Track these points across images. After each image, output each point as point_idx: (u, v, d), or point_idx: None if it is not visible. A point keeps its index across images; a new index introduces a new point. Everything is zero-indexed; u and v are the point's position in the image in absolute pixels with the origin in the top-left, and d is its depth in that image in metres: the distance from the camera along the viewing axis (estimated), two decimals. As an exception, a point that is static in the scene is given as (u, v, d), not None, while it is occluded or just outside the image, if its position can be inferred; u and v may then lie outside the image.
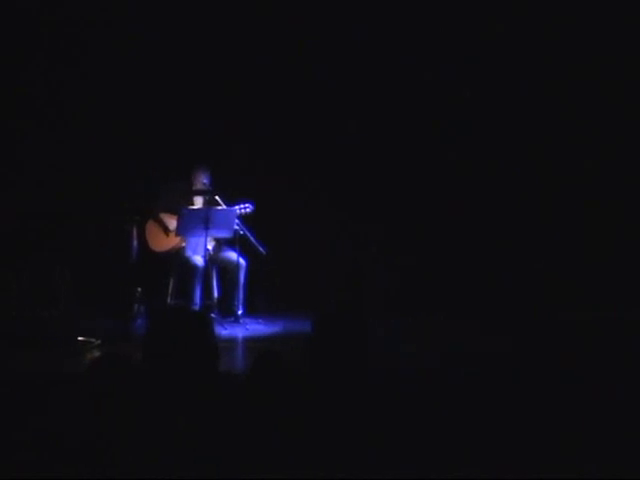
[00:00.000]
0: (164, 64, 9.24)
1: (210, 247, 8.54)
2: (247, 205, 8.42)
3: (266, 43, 9.18)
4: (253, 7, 9.09)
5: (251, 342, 7.87)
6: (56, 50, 9.01)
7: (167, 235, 8.52)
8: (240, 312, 8.54)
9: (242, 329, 8.29)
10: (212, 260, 8.60)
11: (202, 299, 8.45)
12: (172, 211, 8.42)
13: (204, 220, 8.14)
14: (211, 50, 9.24)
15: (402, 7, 9.06)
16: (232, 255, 8.52)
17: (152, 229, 8.54)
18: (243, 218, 8.40)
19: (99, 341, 7.28)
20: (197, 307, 8.30)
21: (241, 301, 8.56)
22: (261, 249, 8.31)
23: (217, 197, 8.43)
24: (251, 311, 8.72)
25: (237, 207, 8.37)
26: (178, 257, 8.53)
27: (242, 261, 8.49)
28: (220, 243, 8.70)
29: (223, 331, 8.01)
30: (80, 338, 7.27)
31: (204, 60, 9.25)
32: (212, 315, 8.13)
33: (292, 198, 9.40)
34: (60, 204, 7.69)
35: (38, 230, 7.21)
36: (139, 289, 8.27)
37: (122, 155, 9.29)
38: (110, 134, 9.23)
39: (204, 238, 8.24)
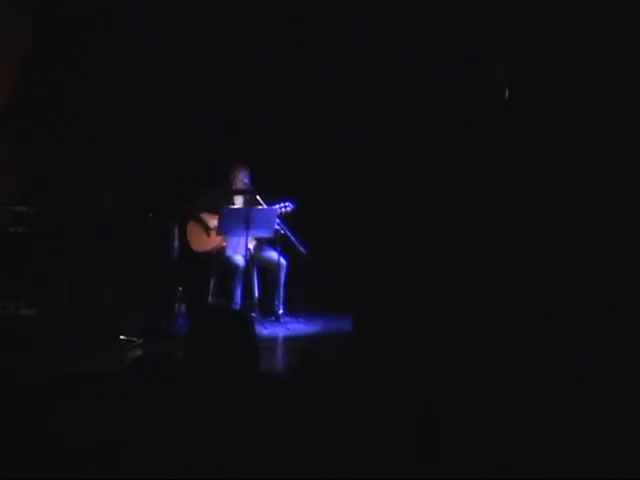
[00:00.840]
0: (202, 60, 9.34)
1: (251, 247, 8.58)
2: (287, 204, 8.47)
3: (308, 37, 9.26)
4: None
5: (292, 341, 7.90)
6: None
7: (208, 235, 8.58)
8: (281, 311, 8.58)
9: (283, 328, 8.33)
10: (253, 260, 8.64)
11: (243, 299, 8.51)
12: (213, 211, 8.48)
13: (245, 220, 8.18)
14: (252, 47, 9.34)
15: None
16: (273, 255, 8.56)
17: (193, 229, 8.61)
18: (284, 217, 8.45)
19: (141, 340, 7.35)
20: (238, 307, 8.35)
21: (282, 300, 8.60)
22: (301, 249, 8.35)
23: (258, 196, 8.48)
24: (291, 310, 8.76)
25: (277, 206, 8.42)
26: (219, 257, 8.58)
27: (283, 261, 8.53)
28: (261, 243, 8.74)
29: (264, 330, 8.04)
30: (122, 337, 7.36)
31: (244, 57, 9.36)
32: (253, 314, 8.16)
33: (333, 196, 9.42)
34: (102, 204, 7.76)
35: (80, 230, 7.27)
36: (180, 289, 8.34)
37: (162, 155, 9.38)
38: (151, 134, 9.33)
39: (245, 238, 8.29)
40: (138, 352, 6.98)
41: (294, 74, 9.39)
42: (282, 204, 8.45)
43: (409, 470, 2.98)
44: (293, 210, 8.46)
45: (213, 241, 8.58)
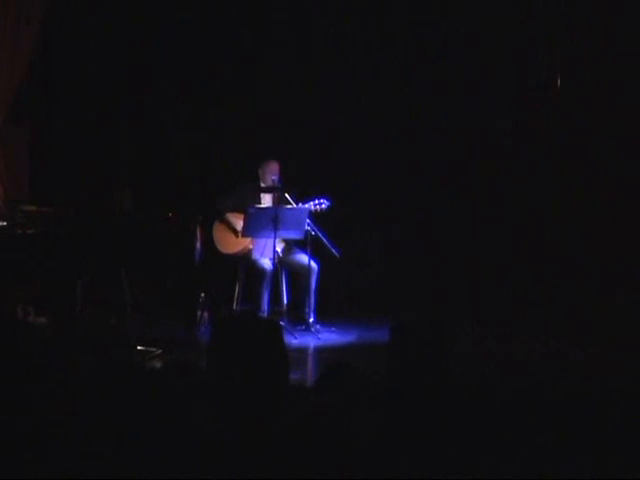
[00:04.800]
0: (229, 51, 9.50)
1: (279, 249, 8.57)
2: (322, 201, 8.43)
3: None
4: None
5: (324, 352, 7.91)
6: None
7: (237, 236, 8.55)
8: (312, 320, 8.56)
9: (314, 338, 8.32)
10: (281, 263, 8.63)
11: (270, 305, 8.51)
12: (239, 210, 8.47)
13: (273, 220, 8.15)
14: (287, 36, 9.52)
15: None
16: (303, 258, 8.54)
17: (221, 229, 8.59)
18: (316, 217, 8.41)
19: (160, 350, 7.36)
20: (265, 314, 8.35)
21: (313, 308, 8.57)
22: (335, 251, 8.31)
23: (287, 195, 8.45)
24: (323, 318, 8.72)
25: (311, 203, 8.39)
26: (245, 260, 8.57)
27: (314, 264, 8.50)
28: (290, 245, 8.73)
29: (293, 340, 8.04)
30: (139, 347, 7.36)
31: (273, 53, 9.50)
32: (281, 323, 8.08)
33: (369, 194, 9.48)
34: (121, 204, 7.81)
35: (96, 231, 7.29)
36: (203, 294, 8.36)
37: (185, 151, 9.45)
38: (173, 129, 9.41)
39: (273, 239, 8.25)
40: (157, 363, 6.96)
41: (332, 65, 9.50)
42: (316, 201, 8.42)
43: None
44: (329, 208, 8.43)
45: (241, 243, 8.56)
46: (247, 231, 8.36)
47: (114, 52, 9.36)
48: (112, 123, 9.46)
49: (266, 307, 8.47)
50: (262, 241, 8.42)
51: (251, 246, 8.53)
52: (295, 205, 8.40)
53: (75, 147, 9.41)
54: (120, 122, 9.47)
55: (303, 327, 8.53)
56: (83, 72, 9.36)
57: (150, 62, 9.42)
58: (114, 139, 9.46)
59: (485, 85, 9.11)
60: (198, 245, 8.19)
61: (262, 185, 8.67)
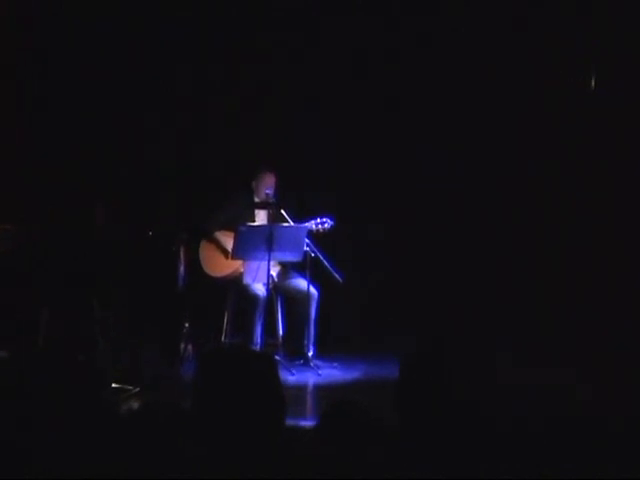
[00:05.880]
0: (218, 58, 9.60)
1: (274, 273, 8.60)
2: (325, 220, 8.48)
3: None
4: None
5: (325, 390, 7.93)
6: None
7: (226, 257, 8.55)
8: (311, 353, 8.59)
9: (313, 374, 8.36)
10: (277, 289, 8.67)
11: (264, 337, 8.52)
12: (230, 228, 8.47)
13: (267, 239, 8.17)
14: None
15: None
16: (301, 283, 8.57)
17: (208, 250, 8.61)
18: (317, 237, 8.45)
19: (137, 389, 7.35)
20: (258, 347, 8.35)
21: (312, 340, 8.60)
22: (337, 276, 8.34)
23: (284, 211, 8.48)
24: (324, 352, 8.75)
25: (312, 222, 8.44)
26: (235, 285, 8.58)
27: (313, 290, 8.53)
28: (287, 268, 8.76)
29: (290, 377, 8.07)
30: (113, 385, 7.33)
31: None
32: (276, 357, 8.16)
33: (375, 215, 9.52)
34: (92, 221, 7.81)
35: (64, 252, 7.30)
36: (187, 324, 8.38)
37: (167, 160, 9.48)
38: (153, 135, 9.44)
39: (267, 262, 8.26)
40: (134, 404, 6.92)
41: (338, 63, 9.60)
42: (318, 220, 8.47)
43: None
44: (332, 228, 8.48)
45: (231, 265, 8.56)
46: (238, 252, 8.35)
47: (92, 57, 9.38)
48: (81, 125, 9.44)
49: (259, 339, 8.48)
50: (255, 264, 8.41)
51: (242, 269, 8.53)
52: (293, 223, 8.42)
53: (40, 154, 9.37)
54: (92, 124, 9.44)
55: (301, 362, 8.56)
56: (56, 79, 9.40)
57: (134, 68, 9.44)
58: (82, 143, 9.41)
59: (517, 88, 9.24)
60: (182, 268, 8.23)
61: (256, 200, 8.70)
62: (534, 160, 9.23)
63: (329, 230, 8.48)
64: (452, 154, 9.37)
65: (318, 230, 8.45)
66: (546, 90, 9.16)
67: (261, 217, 8.76)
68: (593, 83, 8.99)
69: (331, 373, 8.43)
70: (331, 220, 8.49)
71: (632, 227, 9.02)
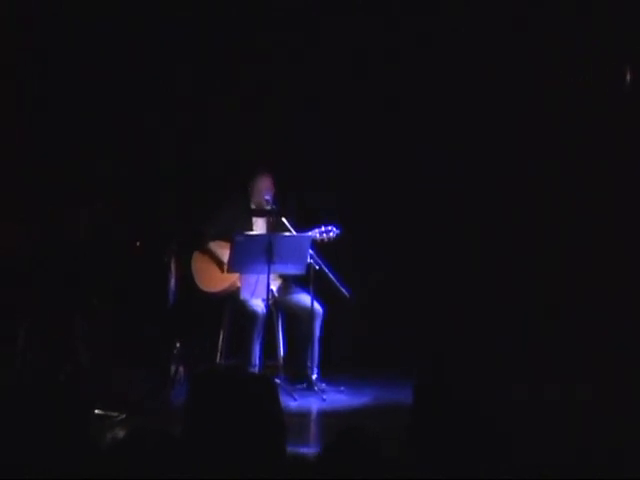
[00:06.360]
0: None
1: (274, 287, 8.58)
2: (330, 228, 8.48)
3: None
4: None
5: (329, 417, 7.96)
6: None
7: (222, 270, 8.56)
8: (315, 376, 8.58)
9: (317, 399, 8.35)
10: (277, 305, 8.67)
11: (263, 358, 8.49)
12: (225, 238, 8.47)
13: (266, 250, 8.14)
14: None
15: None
16: (304, 298, 8.55)
17: (202, 262, 8.62)
18: (322, 248, 8.43)
19: (123, 415, 7.35)
20: (256, 369, 8.35)
21: (316, 361, 8.62)
22: (344, 291, 8.31)
23: (285, 219, 8.46)
24: (329, 375, 8.74)
25: (316, 231, 8.43)
26: (232, 301, 8.59)
27: (318, 307, 8.53)
28: (288, 282, 8.76)
29: (292, 402, 8.07)
30: (97, 411, 7.29)
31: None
32: (277, 380, 8.14)
33: (386, 224, 9.58)
34: (74, 229, 7.85)
35: (44, 261, 7.26)
36: (178, 344, 8.37)
37: (156, 162, 9.63)
38: (142, 135, 9.62)
39: (266, 275, 8.23)
40: (119, 432, 6.95)
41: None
42: (323, 228, 8.46)
43: None
44: (338, 237, 8.47)
45: (227, 279, 8.55)
46: (234, 264, 8.34)
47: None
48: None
49: (257, 360, 8.46)
50: (253, 277, 8.42)
51: (239, 283, 8.53)
52: (295, 232, 8.40)
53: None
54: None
55: (304, 385, 8.55)
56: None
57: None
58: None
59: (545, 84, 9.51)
60: (173, 282, 8.26)
61: (253, 207, 8.72)
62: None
63: (335, 239, 8.49)
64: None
65: (323, 239, 8.47)
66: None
67: (260, 225, 8.79)
68: (628, 78, 9.28)
69: (337, 398, 8.43)
70: (337, 228, 8.50)
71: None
